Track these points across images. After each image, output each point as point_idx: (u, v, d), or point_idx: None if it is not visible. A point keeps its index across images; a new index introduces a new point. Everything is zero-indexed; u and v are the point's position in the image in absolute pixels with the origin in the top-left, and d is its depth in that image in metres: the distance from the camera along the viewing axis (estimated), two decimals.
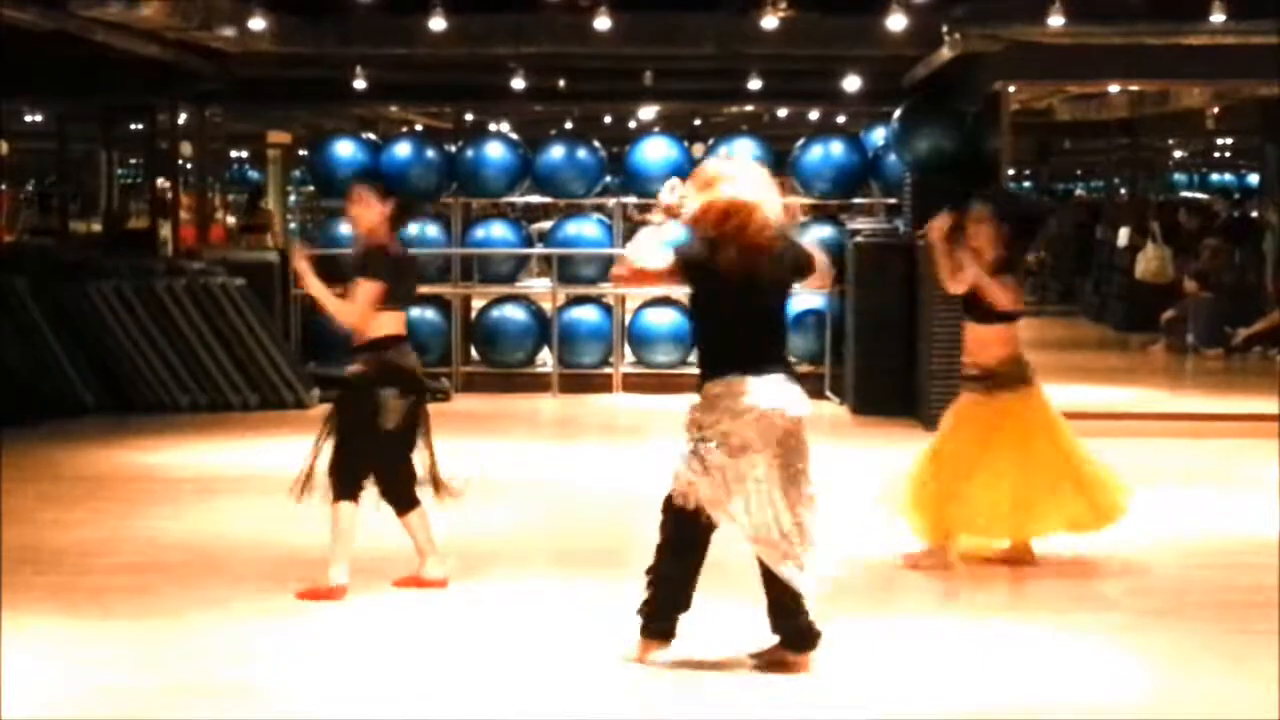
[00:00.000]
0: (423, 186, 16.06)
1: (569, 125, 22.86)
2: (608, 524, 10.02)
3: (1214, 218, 22.60)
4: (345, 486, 7.99)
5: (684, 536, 6.74)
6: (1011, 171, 15.66)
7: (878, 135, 16.64)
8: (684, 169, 16.52)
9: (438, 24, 13.25)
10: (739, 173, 6.82)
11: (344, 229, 16.02)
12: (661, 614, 6.83)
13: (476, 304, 17.08)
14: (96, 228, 21.19)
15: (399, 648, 7.16)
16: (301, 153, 24.57)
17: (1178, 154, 31.63)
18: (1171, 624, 7.68)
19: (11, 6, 11.59)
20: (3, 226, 20.67)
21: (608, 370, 16.31)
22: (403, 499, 8.12)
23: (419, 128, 22.49)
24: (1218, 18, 12.32)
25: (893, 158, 15.64)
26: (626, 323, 16.55)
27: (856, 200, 16.81)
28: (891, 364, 14.31)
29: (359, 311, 8.16)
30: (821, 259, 6.93)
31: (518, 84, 16.42)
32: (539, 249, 17.50)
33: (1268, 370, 17.50)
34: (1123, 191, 28.63)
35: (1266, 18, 12.50)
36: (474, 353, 16.74)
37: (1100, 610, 7.90)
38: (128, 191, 24.38)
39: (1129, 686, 6.70)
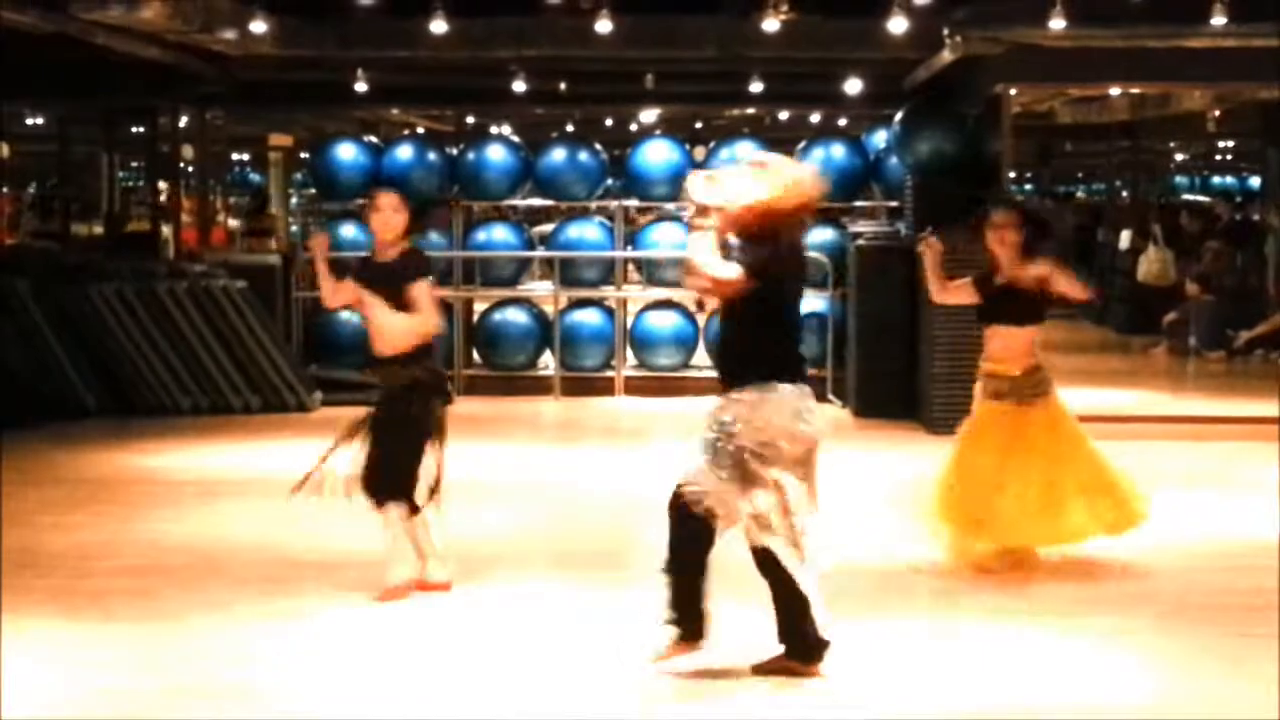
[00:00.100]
0: (424, 189, 16.06)
1: (570, 128, 22.89)
2: (609, 527, 10.02)
3: (1215, 220, 22.60)
4: (404, 488, 8.02)
5: (693, 533, 6.66)
6: (1013, 174, 15.67)
7: (879, 138, 16.65)
8: (685, 172, 16.60)
9: (439, 27, 13.25)
10: (787, 169, 6.79)
11: (345, 232, 16.12)
12: (684, 615, 6.73)
13: (478, 307, 17.08)
14: (98, 230, 21.19)
15: (400, 650, 7.17)
16: (303, 155, 24.59)
17: (1179, 157, 31.64)
18: (1172, 626, 7.67)
19: (12, 9, 11.60)
20: (4, 229, 20.68)
21: (610, 373, 16.30)
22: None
23: (420, 130, 22.51)
24: (1219, 20, 12.31)
25: (894, 160, 15.64)
26: (628, 326, 16.55)
27: (858, 203, 16.80)
28: (893, 367, 14.31)
29: (435, 316, 8.16)
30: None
31: (519, 87, 16.44)
32: (541, 252, 17.50)
33: (1269, 373, 17.49)
34: (1124, 194, 28.63)
35: (1267, 20, 12.50)
36: (475, 356, 16.75)
37: (1100, 612, 7.90)
38: (129, 194, 24.40)
39: (1129, 688, 6.69)
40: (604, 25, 13.21)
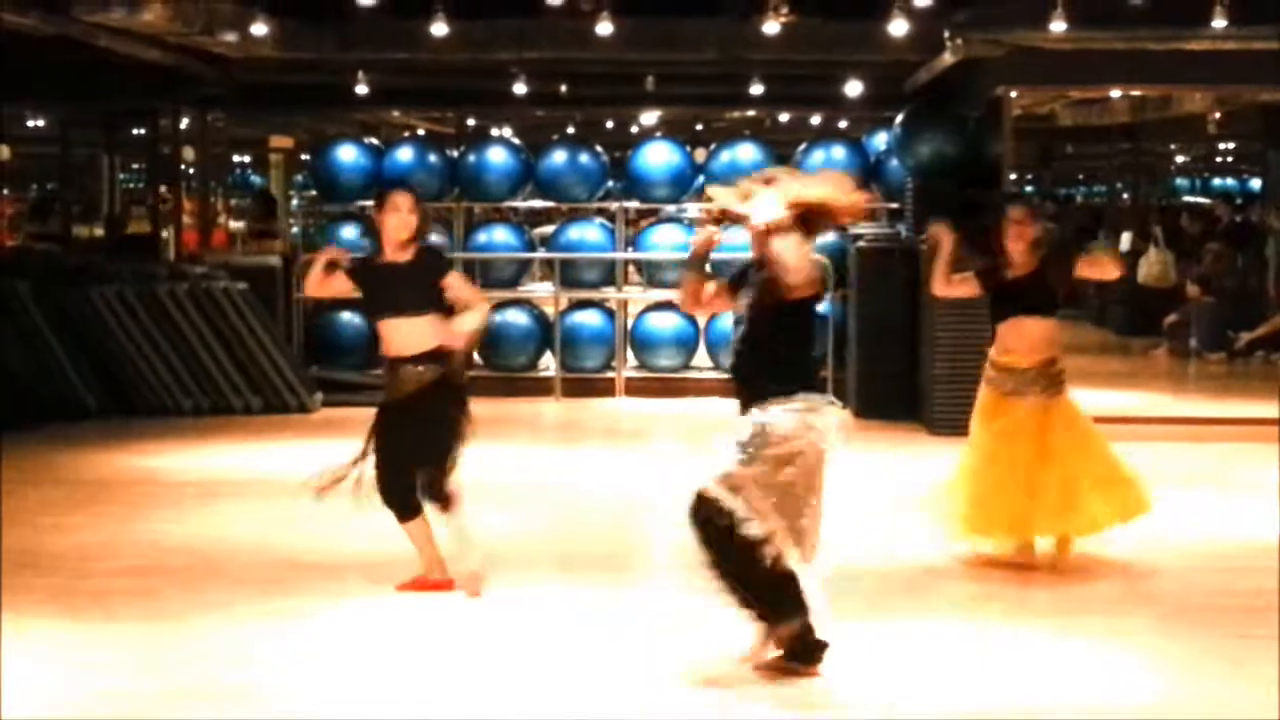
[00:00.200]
0: (425, 192, 16.06)
1: (571, 130, 22.89)
2: (610, 528, 10.03)
3: (1216, 222, 22.58)
4: (445, 485, 8.08)
5: (721, 531, 6.63)
6: (1013, 177, 15.66)
7: (880, 140, 16.66)
8: (686, 174, 16.68)
9: (440, 29, 13.26)
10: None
11: (345, 234, 16.13)
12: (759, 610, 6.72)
13: None
14: (99, 232, 21.20)
15: (400, 650, 7.17)
16: (304, 157, 24.59)
17: (1179, 159, 31.62)
18: (1171, 627, 7.68)
19: (14, 11, 11.61)
20: (5, 231, 20.68)
21: (610, 374, 16.31)
22: (416, 504, 8.16)
23: (421, 133, 22.53)
24: (1219, 23, 12.32)
25: (895, 163, 15.65)
26: (629, 327, 16.55)
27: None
28: (894, 368, 14.31)
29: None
30: None
31: (520, 89, 16.45)
32: (541, 253, 17.51)
33: (1269, 375, 17.49)
34: (1125, 196, 28.63)
35: (1268, 23, 12.50)
36: (476, 357, 16.75)
37: (1100, 613, 7.90)
38: (129, 196, 24.39)
39: (1129, 689, 6.70)
40: (605, 27, 13.22)
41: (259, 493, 10.90)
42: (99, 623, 7.57)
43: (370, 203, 16.52)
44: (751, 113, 21.05)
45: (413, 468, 8.05)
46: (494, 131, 20.62)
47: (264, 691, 6.58)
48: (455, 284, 8.22)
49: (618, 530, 10.04)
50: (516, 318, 16.24)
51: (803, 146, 16.76)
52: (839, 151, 16.41)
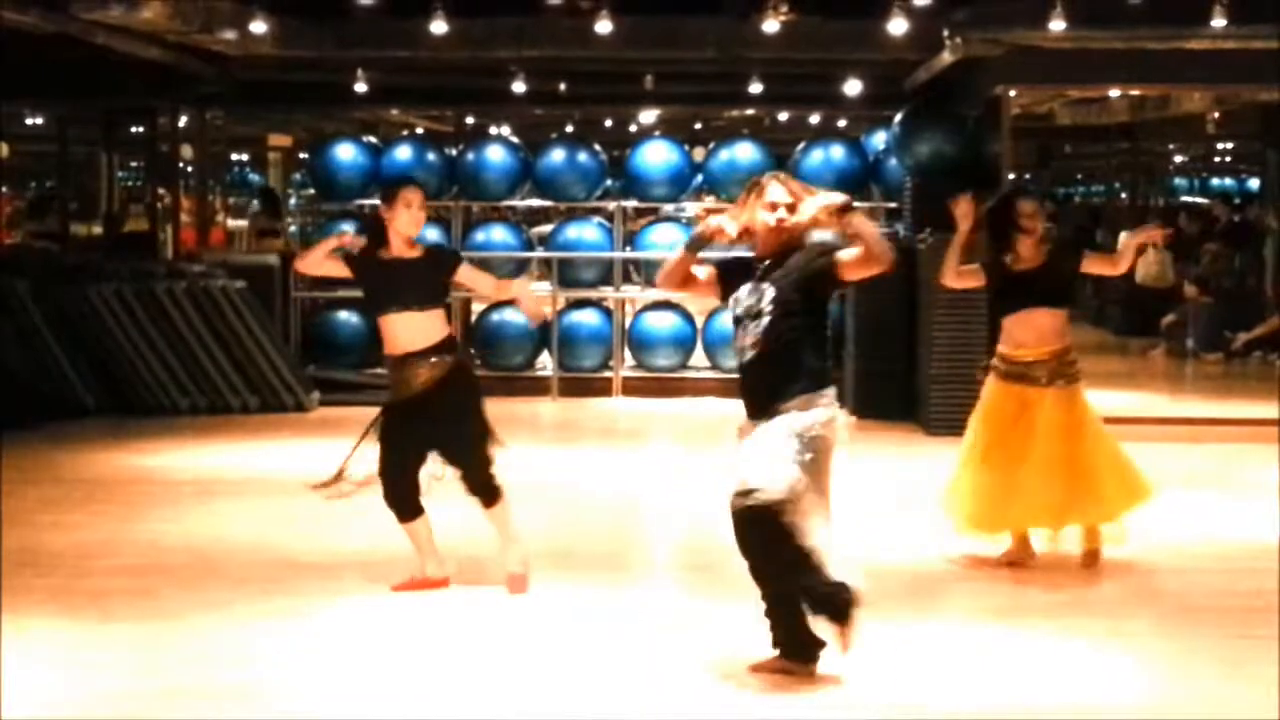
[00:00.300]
0: (423, 190, 16.03)
1: (570, 129, 22.88)
2: (608, 528, 10.03)
3: (1214, 222, 22.59)
4: (492, 476, 8.16)
5: (778, 531, 6.54)
6: (1012, 176, 15.66)
7: (878, 139, 16.65)
8: (684, 173, 16.68)
9: (439, 27, 13.26)
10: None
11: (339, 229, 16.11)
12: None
13: (476, 307, 17.08)
14: (97, 230, 21.19)
15: (400, 649, 7.17)
16: (302, 156, 24.58)
17: (1178, 159, 31.59)
18: (1171, 628, 7.68)
19: (13, 9, 11.60)
20: (3, 229, 20.67)
21: (608, 374, 16.31)
22: (418, 505, 8.17)
23: (420, 131, 22.50)
24: (1218, 22, 12.32)
25: (893, 162, 15.65)
26: (627, 327, 16.55)
27: (857, 205, 16.76)
28: (892, 368, 14.30)
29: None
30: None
31: (519, 87, 16.44)
32: (539, 252, 17.50)
33: (1268, 375, 17.50)
34: (1123, 196, 28.63)
35: (1267, 22, 12.50)
36: (474, 356, 16.74)
37: (1100, 613, 7.91)
38: (128, 194, 24.38)
39: (1128, 689, 6.70)
40: (604, 26, 13.22)
41: (257, 492, 10.90)
42: (97, 622, 7.56)
43: (368, 201, 16.73)
44: (750, 111, 21.04)
45: (418, 468, 8.05)
46: (492, 130, 20.60)
47: (263, 690, 6.57)
48: (471, 270, 8.29)
49: (616, 530, 10.05)
50: (514, 317, 16.21)
51: (801, 145, 16.75)
52: (838, 151, 16.41)
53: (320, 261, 8.22)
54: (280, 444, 12.98)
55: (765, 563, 6.54)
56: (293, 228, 23.51)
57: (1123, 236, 22.68)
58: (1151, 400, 15.35)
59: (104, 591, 8.13)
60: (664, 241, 16.43)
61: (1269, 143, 21.40)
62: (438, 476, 8.13)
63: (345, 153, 16.76)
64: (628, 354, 16.57)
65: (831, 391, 6.67)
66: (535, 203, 17.42)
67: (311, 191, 18.20)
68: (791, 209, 6.68)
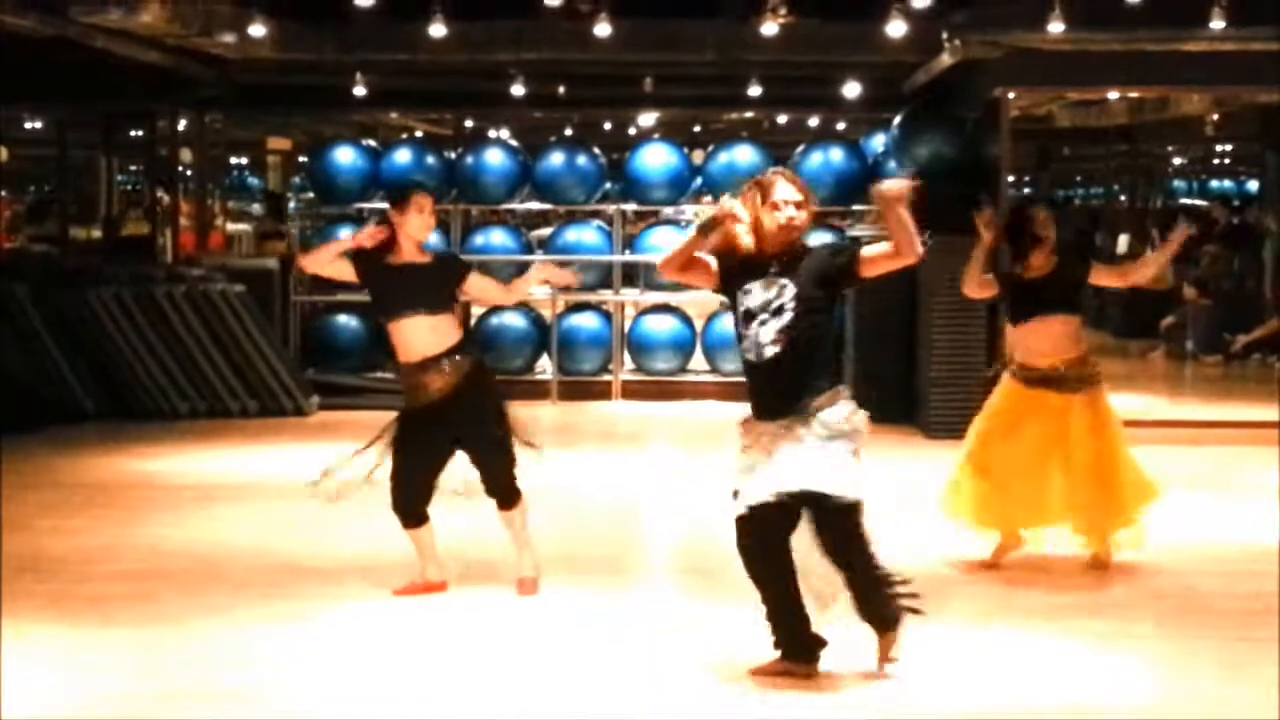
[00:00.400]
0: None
1: (569, 132, 22.89)
2: (608, 531, 10.04)
3: (1213, 224, 22.57)
4: (514, 481, 8.21)
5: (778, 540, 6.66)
6: (1011, 178, 15.66)
7: (878, 142, 16.65)
8: (684, 175, 16.68)
9: (438, 30, 13.25)
10: None
11: (343, 235, 16.09)
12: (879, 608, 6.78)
13: (475, 310, 17.07)
14: (96, 234, 21.19)
15: (400, 652, 7.17)
16: (301, 159, 24.57)
17: (1177, 160, 31.60)
18: (1171, 629, 7.68)
19: (11, 12, 11.60)
20: (2, 233, 20.67)
21: (607, 377, 16.31)
22: (425, 513, 8.18)
23: (419, 134, 22.51)
24: (1217, 24, 12.32)
25: (893, 164, 15.64)
26: (626, 330, 16.55)
27: (856, 207, 16.80)
28: (891, 371, 14.29)
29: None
30: None
31: (518, 90, 16.44)
32: (539, 255, 17.50)
33: (1267, 377, 17.50)
34: (1122, 198, 28.63)
35: (1266, 24, 12.50)
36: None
37: (1100, 614, 7.90)
38: (127, 198, 24.38)
39: (1128, 691, 6.70)
40: (603, 29, 13.21)
41: (257, 496, 10.90)
42: (98, 626, 7.56)
43: (367, 204, 16.72)
44: (750, 114, 21.05)
45: (433, 476, 8.04)
46: (492, 133, 20.62)
47: (264, 693, 6.57)
48: (479, 284, 8.35)
49: (616, 533, 10.05)
50: (513, 320, 16.22)
51: (801, 148, 16.76)
52: (837, 153, 16.41)
53: (328, 261, 8.10)
54: (280, 448, 12.97)
55: (841, 563, 6.62)
56: (293, 231, 23.49)
57: (1121, 239, 22.82)
58: (1151, 402, 15.34)
59: (104, 596, 8.13)
60: (663, 245, 16.44)
61: (1268, 144, 21.40)
62: (459, 492, 8.14)
63: (344, 156, 16.76)
64: (627, 357, 16.56)
65: (845, 387, 6.71)
66: (534, 206, 17.42)
67: (311, 195, 18.19)
68: (800, 206, 6.67)
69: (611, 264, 16.51)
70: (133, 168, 25.17)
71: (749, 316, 6.64)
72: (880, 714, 6.36)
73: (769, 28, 13.35)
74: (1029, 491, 8.62)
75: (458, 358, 7.96)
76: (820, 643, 6.69)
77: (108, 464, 12.30)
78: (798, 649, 6.70)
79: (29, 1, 11.69)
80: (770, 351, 6.56)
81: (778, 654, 6.72)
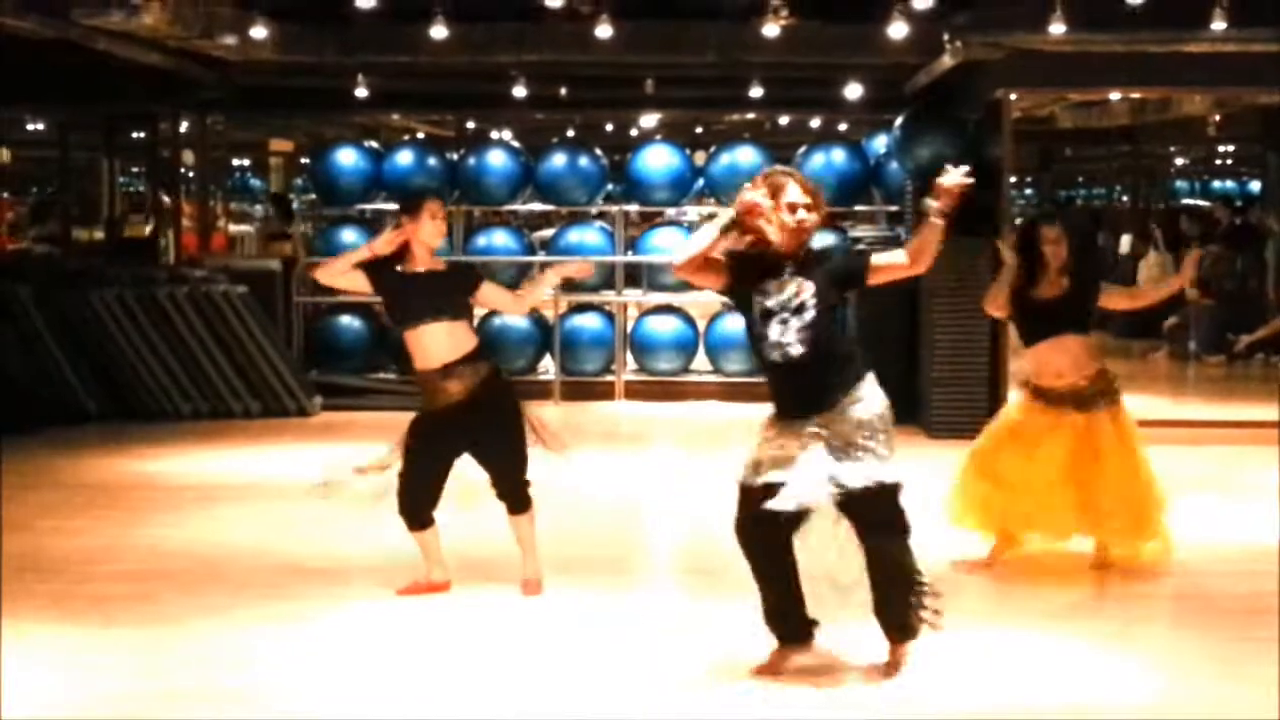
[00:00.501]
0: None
1: (571, 133, 22.87)
2: (610, 531, 10.04)
3: (1215, 225, 22.57)
4: (526, 485, 8.27)
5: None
6: (1013, 180, 15.65)
7: (879, 143, 16.66)
8: (685, 177, 16.68)
9: (439, 32, 13.25)
10: None
11: (345, 237, 16.13)
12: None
13: (478, 312, 17.01)
14: (98, 235, 21.20)
15: (401, 652, 7.17)
16: (303, 161, 24.58)
17: (1179, 161, 31.58)
18: (1171, 629, 7.69)
19: (13, 15, 11.61)
20: (4, 235, 20.68)
21: (610, 378, 16.31)
22: (431, 517, 8.18)
23: (421, 136, 22.51)
24: (1219, 25, 12.31)
25: (894, 165, 15.65)
26: (629, 330, 16.55)
27: (858, 208, 16.82)
28: (892, 371, 14.14)
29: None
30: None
31: (519, 92, 16.43)
32: (541, 257, 17.50)
33: (1269, 377, 17.49)
34: (1124, 199, 28.62)
35: (1267, 25, 12.50)
36: None
37: (1100, 614, 7.91)
38: (129, 200, 24.38)
39: (1128, 691, 6.70)
40: (604, 30, 13.21)
41: (259, 497, 10.91)
42: (99, 626, 7.57)
43: (369, 206, 16.74)
44: (751, 115, 21.04)
45: (442, 480, 8.05)
46: (493, 134, 20.62)
47: (265, 694, 6.58)
48: (492, 294, 8.36)
49: (618, 533, 10.05)
50: (516, 321, 16.21)
51: (802, 149, 16.75)
52: (838, 154, 16.41)
53: (342, 273, 8.04)
54: (282, 449, 12.98)
55: (889, 542, 6.65)
56: (298, 231, 23.50)
57: (1124, 240, 22.81)
58: (1153, 403, 15.32)
59: (105, 596, 8.14)
60: (665, 245, 16.46)
61: (1270, 145, 21.40)
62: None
63: (346, 158, 16.78)
64: (630, 358, 16.57)
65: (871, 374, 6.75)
66: (537, 207, 17.42)
67: (313, 196, 18.20)
68: (810, 208, 6.67)
69: (614, 265, 16.51)
70: (135, 169, 25.19)
71: (767, 316, 6.62)
72: (880, 714, 6.36)
73: (770, 29, 13.34)
74: (1044, 504, 8.61)
75: (476, 364, 7.98)
76: (813, 623, 6.73)
77: (109, 465, 12.31)
78: (793, 631, 6.72)
79: (30, 4, 11.70)
80: (796, 351, 6.56)
81: (774, 644, 6.74)
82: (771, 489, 6.49)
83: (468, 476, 8.19)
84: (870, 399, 6.66)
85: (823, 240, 15.44)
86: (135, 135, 20.86)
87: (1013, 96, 14.27)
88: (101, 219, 21.13)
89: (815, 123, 22.03)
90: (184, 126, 19.00)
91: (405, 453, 8.05)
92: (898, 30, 12.84)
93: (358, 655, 7.16)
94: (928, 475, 9.79)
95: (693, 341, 16.38)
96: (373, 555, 8.92)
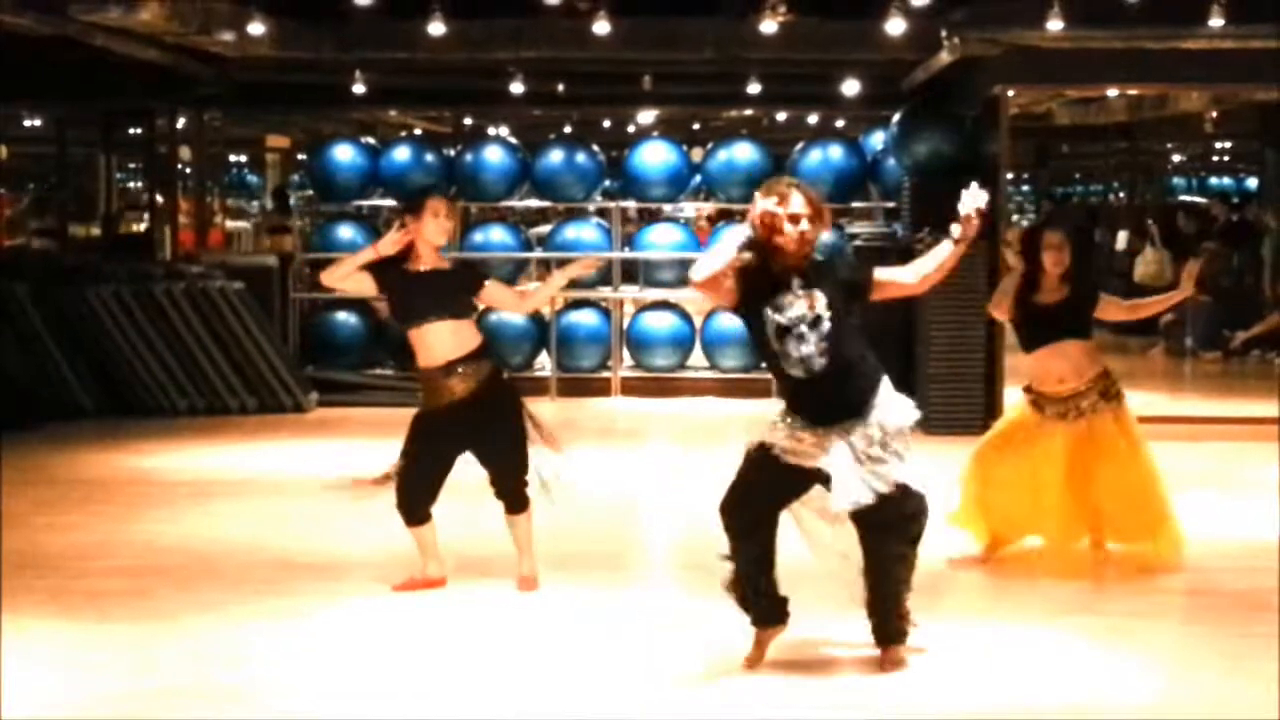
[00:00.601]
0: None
1: (568, 129, 22.88)
2: (606, 527, 10.03)
3: (1212, 221, 22.56)
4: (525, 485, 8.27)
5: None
6: (1010, 176, 15.65)
7: (876, 139, 16.66)
8: (683, 173, 16.67)
9: (437, 28, 13.23)
10: None
11: (342, 234, 16.13)
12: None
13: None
14: (95, 231, 21.19)
15: (397, 649, 7.16)
16: (300, 157, 24.55)
17: (1176, 158, 31.56)
18: (1171, 626, 7.68)
19: (10, 10, 11.59)
20: (3, 232, 20.67)
21: (606, 374, 16.30)
22: (428, 513, 8.18)
23: (418, 132, 22.49)
24: (1216, 22, 12.30)
25: (891, 162, 15.64)
26: (625, 327, 16.54)
27: (855, 204, 16.81)
28: (889, 368, 14.16)
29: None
30: None
31: (517, 88, 16.42)
32: (538, 253, 17.49)
33: (1266, 373, 17.50)
34: (1121, 195, 28.62)
35: (1265, 22, 12.48)
36: None
37: (1100, 612, 7.89)
38: (126, 196, 24.37)
39: (1129, 688, 6.69)
40: (602, 27, 13.19)
41: (254, 493, 10.90)
42: (94, 623, 7.55)
43: (366, 202, 16.74)
44: (749, 112, 21.04)
45: (442, 477, 8.05)
46: (491, 131, 20.59)
47: (260, 691, 6.57)
48: (496, 293, 8.33)
49: (614, 530, 10.05)
50: (512, 317, 16.18)
51: (800, 145, 16.75)
52: (836, 151, 16.41)
53: (347, 276, 8.02)
54: (278, 445, 12.97)
55: (896, 546, 6.69)
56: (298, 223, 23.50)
57: (1121, 236, 22.80)
58: (1150, 399, 15.30)
59: (101, 592, 8.13)
60: (662, 242, 16.46)
61: (1267, 142, 21.39)
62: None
63: (343, 154, 16.77)
64: (626, 354, 16.56)
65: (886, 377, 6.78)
66: (534, 203, 17.42)
67: (310, 193, 18.19)
68: (812, 219, 6.66)
69: (611, 261, 16.50)
70: (132, 165, 25.17)
71: (783, 332, 6.59)
72: (880, 714, 6.35)
73: (768, 25, 13.33)
74: (1045, 510, 8.61)
75: (479, 363, 7.98)
76: (785, 601, 6.80)
77: (106, 461, 12.30)
78: (769, 614, 6.76)
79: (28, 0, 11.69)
80: (818, 364, 6.56)
81: (751, 631, 6.80)
82: (774, 457, 6.58)
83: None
84: (887, 403, 6.67)
85: (821, 238, 15.51)
86: (132, 131, 20.84)
87: (1010, 93, 14.27)
88: (98, 215, 21.11)
89: (813, 119, 22.03)
90: (181, 122, 18.99)
91: (405, 449, 8.05)
92: (895, 26, 12.82)
93: (354, 651, 7.15)
94: (925, 470, 9.79)
95: (689, 338, 16.37)
96: (368, 551, 8.91)
